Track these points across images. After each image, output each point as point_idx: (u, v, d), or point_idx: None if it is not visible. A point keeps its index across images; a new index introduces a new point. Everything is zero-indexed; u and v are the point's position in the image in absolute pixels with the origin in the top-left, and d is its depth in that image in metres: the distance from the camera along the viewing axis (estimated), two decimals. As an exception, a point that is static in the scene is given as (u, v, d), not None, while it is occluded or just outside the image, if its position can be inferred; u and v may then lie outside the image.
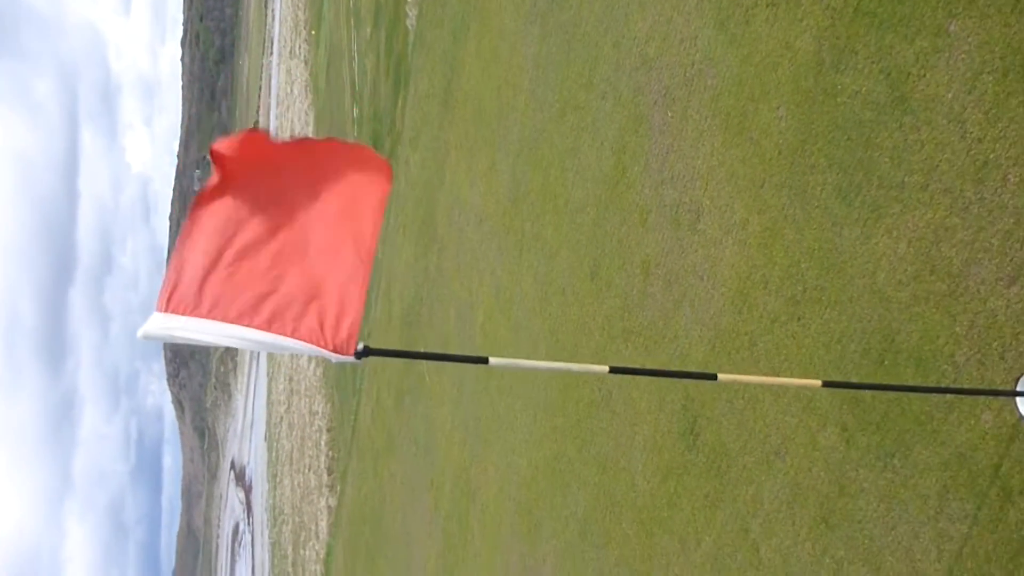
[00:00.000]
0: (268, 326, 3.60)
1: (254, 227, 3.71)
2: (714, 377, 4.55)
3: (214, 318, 3.59)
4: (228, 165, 3.75)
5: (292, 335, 3.60)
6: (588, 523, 10.36)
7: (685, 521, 8.14)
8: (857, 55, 6.15)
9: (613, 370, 4.34)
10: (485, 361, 4.13)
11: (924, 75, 5.52)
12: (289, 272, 3.70)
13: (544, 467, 12.04)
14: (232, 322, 3.59)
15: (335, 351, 3.60)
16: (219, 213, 3.70)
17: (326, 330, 3.61)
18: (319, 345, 3.60)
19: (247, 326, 3.60)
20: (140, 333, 3.56)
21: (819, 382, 4.71)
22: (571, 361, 11.05)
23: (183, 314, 3.57)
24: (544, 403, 12.27)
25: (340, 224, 3.80)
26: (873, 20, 6.01)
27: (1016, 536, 4.67)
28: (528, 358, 12.84)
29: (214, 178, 3.76)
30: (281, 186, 3.79)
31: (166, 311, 3.57)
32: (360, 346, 3.67)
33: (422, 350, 20.17)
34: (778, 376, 6.78)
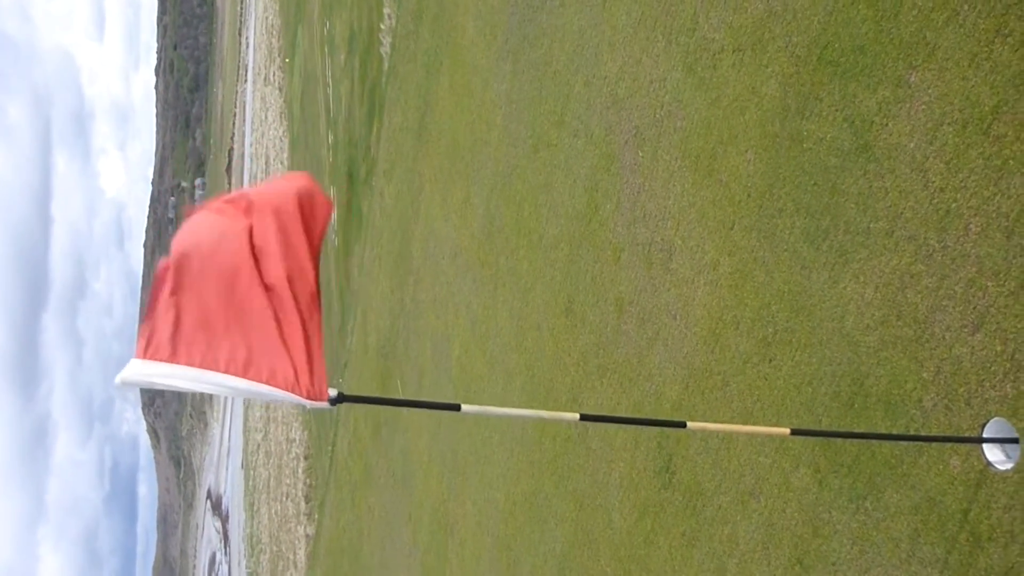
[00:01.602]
0: (244, 372, 3.63)
1: (223, 276, 3.71)
2: (683, 425, 4.59)
3: (191, 364, 3.60)
4: (199, 219, 3.79)
5: (268, 382, 3.63)
6: (566, 559, 10.35)
7: (663, 559, 8.16)
8: (821, 102, 6.27)
9: (584, 417, 4.37)
10: (457, 408, 4.15)
11: (887, 124, 5.63)
12: (257, 320, 3.71)
13: (522, 502, 12.02)
14: (209, 368, 3.61)
15: (309, 398, 3.63)
16: (192, 261, 3.70)
17: (300, 377, 3.63)
18: (294, 392, 3.63)
19: (224, 372, 3.62)
20: (118, 379, 3.59)
21: (787, 430, 4.77)
22: (547, 397, 11.08)
23: (160, 360, 3.59)
24: (520, 438, 12.28)
25: (291, 269, 3.80)
26: (836, 69, 6.13)
27: (985, 582, 4.73)
28: (504, 392, 12.85)
29: (186, 234, 3.79)
30: (236, 229, 3.78)
31: (144, 357, 3.59)
32: (334, 392, 3.71)
33: (398, 383, 20.14)
34: (750, 417, 6.84)
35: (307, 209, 3.90)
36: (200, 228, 3.79)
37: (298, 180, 4.00)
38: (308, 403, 3.63)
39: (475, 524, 14.23)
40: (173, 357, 3.59)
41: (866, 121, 5.80)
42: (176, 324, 3.62)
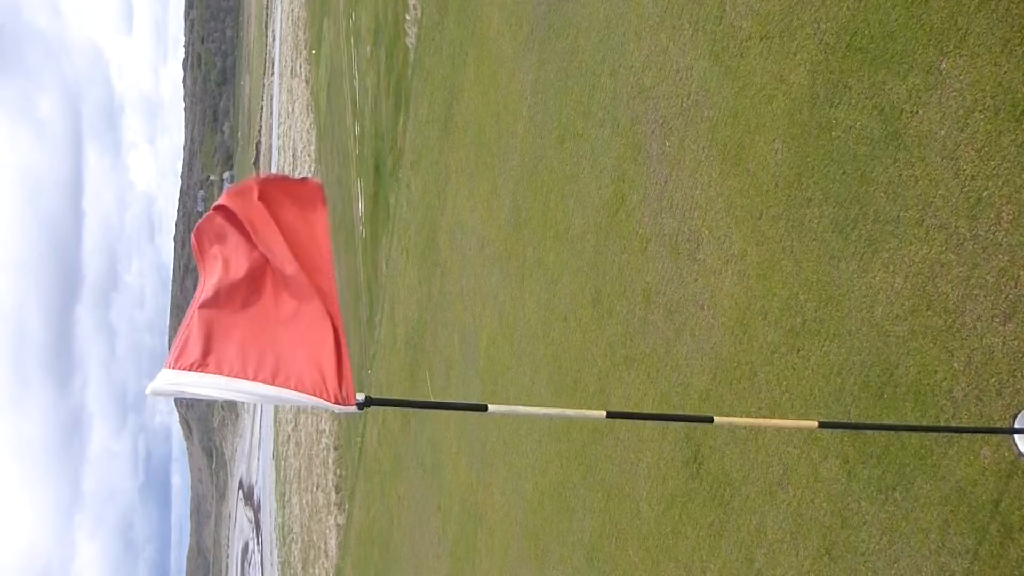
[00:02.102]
0: (273, 380, 3.70)
1: (249, 284, 3.81)
2: (710, 420, 4.58)
3: (220, 373, 3.69)
4: (228, 218, 3.84)
5: (296, 388, 3.69)
6: (595, 550, 10.37)
7: (690, 550, 8.16)
8: (851, 90, 6.21)
9: (610, 415, 4.37)
10: (484, 409, 4.18)
11: (917, 112, 5.57)
12: (284, 326, 3.79)
13: (550, 492, 12.06)
14: (237, 376, 3.69)
15: (337, 402, 3.68)
16: (220, 270, 3.80)
17: (328, 382, 3.69)
18: (322, 397, 3.68)
19: (252, 380, 3.69)
20: (149, 390, 3.69)
21: (815, 423, 4.75)
22: (574, 388, 11.09)
23: (190, 370, 3.68)
24: (548, 428, 12.30)
25: (309, 273, 3.84)
26: (866, 56, 6.07)
27: (1017, 573, 4.69)
28: (531, 383, 12.88)
29: (215, 227, 3.84)
30: (262, 242, 3.84)
31: (174, 367, 3.67)
32: (361, 396, 3.76)
33: (426, 374, 20.24)
34: (778, 408, 6.81)
35: (305, 198, 3.92)
36: (224, 235, 3.85)
37: (253, 185, 3.95)
38: (336, 408, 3.70)
39: (504, 514, 14.29)
40: (203, 367, 3.68)
41: (896, 109, 5.74)
42: (206, 335, 3.70)
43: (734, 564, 7.42)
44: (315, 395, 3.68)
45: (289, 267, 3.79)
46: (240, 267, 3.80)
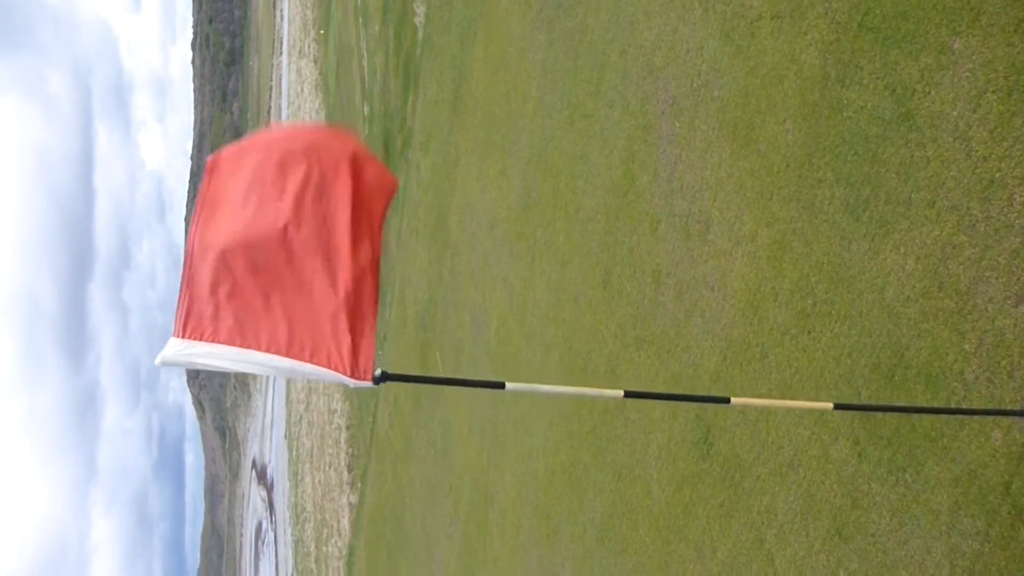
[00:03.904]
0: (286, 351, 3.58)
1: (259, 249, 3.62)
2: (727, 401, 4.58)
3: (231, 343, 3.57)
4: (220, 178, 3.70)
5: (310, 360, 3.58)
6: (605, 529, 10.43)
7: (700, 530, 8.19)
8: (862, 70, 6.16)
9: (628, 394, 4.33)
10: (502, 386, 4.13)
11: (929, 92, 5.53)
12: (301, 296, 3.63)
13: (561, 473, 12.11)
14: (249, 347, 3.58)
15: (353, 376, 3.58)
16: (223, 233, 3.62)
17: (344, 355, 3.58)
18: (337, 370, 3.57)
19: (265, 351, 3.58)
20: (158, 359, 3.57)
21: (830, 405, 4.75)
22: (585, 369, 11.11)
23: (200, 340, 3.57)
24: (559, 409, 12.34)
25: (344, 242, 3.68)
26: (877, 36, 6.02)
27: (1028, 555, 4.70)
28: (542, 364, 12.90)
29: (207, 191, 3.70)
30: (276, 202, 3.64)
31: (183, 337, 3.57)
32: (378, 371, 3.65)
33: (437, 355, 20.29)
34: (789, 389, 6.81)
35: (370, 181, 3.76)
36: (233, 193, 3.66)
37: (350, 144, 3.80)
38: (352, 382, 3.57)
39: (515, 495, 14.36)
40: (214, 336, 3.57)
41: (908, 89, 5.70)
42: (215, 302, 3.57)
43: (744, 544, 7.45)
44: (330, 368, 3.56)
45: (339, 233, 3.61)
46: (261, 224, 3.59)
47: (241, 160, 3.75)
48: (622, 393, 4.31)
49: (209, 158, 3.74)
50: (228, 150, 3.78)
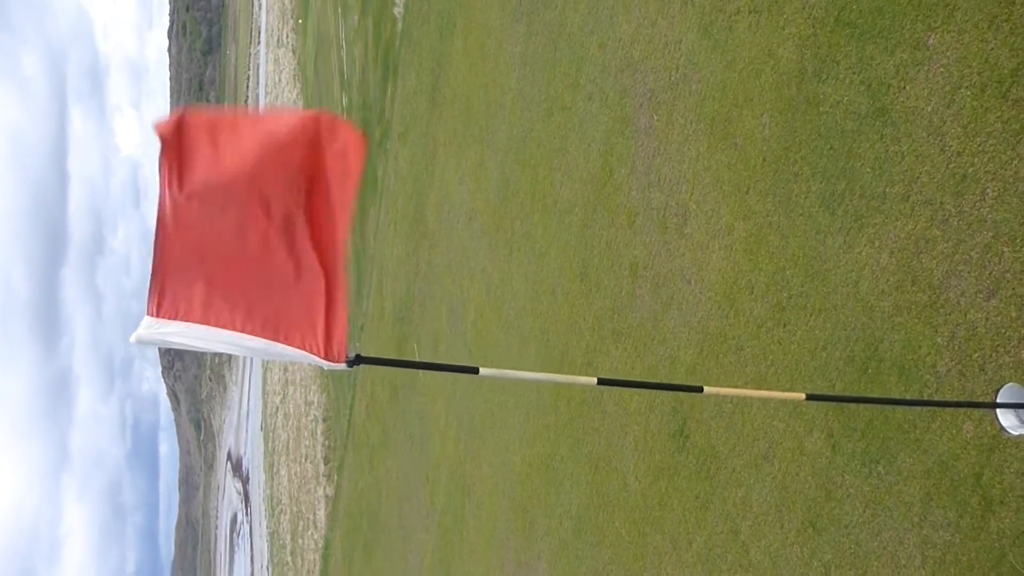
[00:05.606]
0: (261, 332, 3.55)
1: (233, 231, 3.52)
2: (700, 390, 4.59)
3: (206, 323, 3.53)
4: (182, 150, 3.47)
5: (285, 341, 3.55)
6: (582, 521, 10.47)
7: (676, 521, 8.24)
8: (838, 65, 6.20)
9: (601, 382, 4.32)
10: (476, 371, 4.11)
11: (904, 87, 5.57)
12: (275, 279, 3.59)
13: (538, 465, 12.13)
14: (224, 327, 3.54)
15: (327, 359, 3.55)
16: (193, 209, 3.49)
17: (318, 337, 3.55)
18: (312, 352, 3.54)
19: (240, 332, 3.54)
20: (133, 338, 3.50)
21: (803, 395, 4.77)
22: (562, 361, 11.13)
23: (174, 319, 3.52)
24: (536, 401, 12.36)
25: (315, 222, 3.59)
26: (854, 31, 6.06)
27: (997, 545, 4.76)
28: (519, 356, 12.91)
29: (167, 164, 3.46)
30: (249, 179, 3.50)
31: (157, 316, 3.51)
32: (352, 354, 3.62)
33: (414, 347, 20.25)
34: (764, 382, 6.85)
35: (337, 163, 3.58)
36: (203, 170, 3.48)
37: (315, 120, 3.58)
38: (326, 364, 3.54)
39: (492, 486, 14.38)
40: (188, 315, 3.51)
41: (883, 84, 5.74)
42: (188, 281, 3.51)
43: (719, 535, 7.51)
44: (304, 349, 3.53)
45: (312, 216, 3.53)
46: (234, 207, 3.47)
47: (214, 139, 3.55)
48: (595, 380, 4.30)
49: (173, 115, 3.55)
50: (196, 118, 3.58)
